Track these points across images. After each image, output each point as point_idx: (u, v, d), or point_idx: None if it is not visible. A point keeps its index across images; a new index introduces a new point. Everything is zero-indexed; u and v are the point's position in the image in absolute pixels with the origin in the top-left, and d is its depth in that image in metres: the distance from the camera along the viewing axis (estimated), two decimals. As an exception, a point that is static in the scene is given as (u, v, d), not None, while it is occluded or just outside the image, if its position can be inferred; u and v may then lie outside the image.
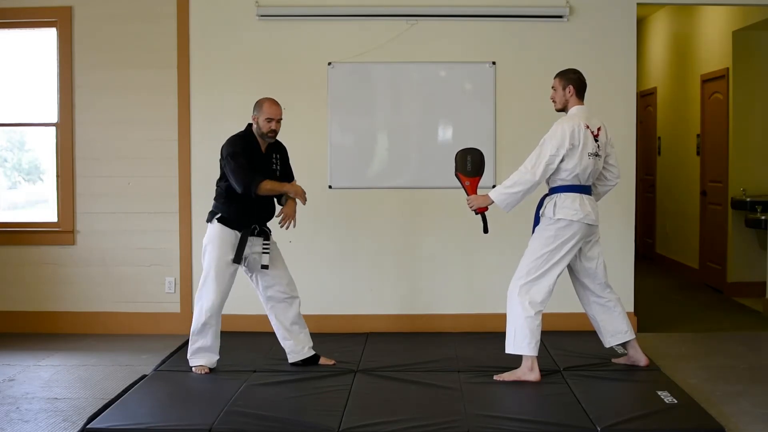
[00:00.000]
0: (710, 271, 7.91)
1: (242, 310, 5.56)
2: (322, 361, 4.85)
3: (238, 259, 4.58)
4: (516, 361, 4.57)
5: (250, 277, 4.75)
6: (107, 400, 4.22)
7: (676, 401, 4.12)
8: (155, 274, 5.97)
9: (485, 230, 4.69)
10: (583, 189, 4.54)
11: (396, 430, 3.75)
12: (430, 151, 5.90)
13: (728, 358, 5.27)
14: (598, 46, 5.84)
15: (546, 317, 4.59)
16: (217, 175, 4.78)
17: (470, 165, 4.64)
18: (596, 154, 4.51)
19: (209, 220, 4.65)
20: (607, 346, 4.81)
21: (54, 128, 6.02)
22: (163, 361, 4.96)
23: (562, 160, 4.43)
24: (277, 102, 4.64)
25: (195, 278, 5.90)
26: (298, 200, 4.64)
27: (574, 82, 4.56)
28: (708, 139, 7.92)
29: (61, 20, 5.91)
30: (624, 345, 4.82)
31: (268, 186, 4.49)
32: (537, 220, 4.61)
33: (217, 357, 4.72)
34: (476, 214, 4.65)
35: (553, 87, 4.63)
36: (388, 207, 5.92)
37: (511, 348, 4.51)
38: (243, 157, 4.49)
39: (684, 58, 8.61)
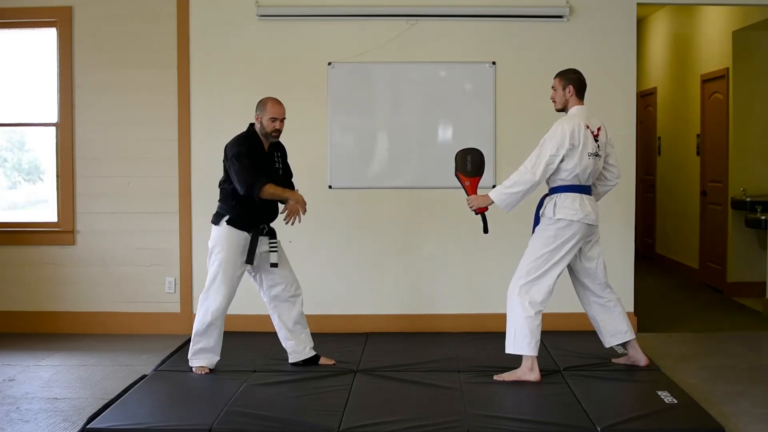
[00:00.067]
0: (710, 271, 7.91)
1: (242, 310, 5.55)
2: (322, 361, 4.85)
3: (250, 259, 4.58)
4: (516, 361, 4.57)
5: (254, 276, 4.75)
6: (107, 400, 4.22)
7: (676, 401, 4.12)
8: (155, 274, 5.97)
9: (485, 230, 4.69)
10: (583, 189, 4.54)
11: (396, 430, 3.75)
12: (430, 151, 5.90)
13: (728, 358, 5.27)
14: (598, 46, 5.84)
15: (546, 317, 4.59)
16: (218, 174, 4.78)
17: (470, 165, 4.64)
18: (596, 154, 4.51)
19: (216, 222, 4.63)
20: (607, 346, 4.81)
21: (54, 128, 6.02)
22: (163, 361, 4.96)
23: (562, 160, 4.43)
24: (280, 101, 4.64)
25: (195, 278, 5.91)
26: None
27: (574, 82, 4.56)
28: (708, 139, 7.92)
29: (61, 20, 5.91)
30: (624, 345, 4.82)
31: (270, 190, 4.48)
32: (537, 220, 4.61)
33: (218, 358, 4.73)
34: (476, 214, 4.65)
35: (553, 87, 4.63)
36: (388, 207, 5.92)
37: (511, 348, 4.52)
38: (247, 158, 4.49)
39: (684, 58, 8.61)
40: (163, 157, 5.92)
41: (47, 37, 6.02)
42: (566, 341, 5.33)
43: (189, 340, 5.43)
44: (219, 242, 4.59)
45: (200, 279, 5.86)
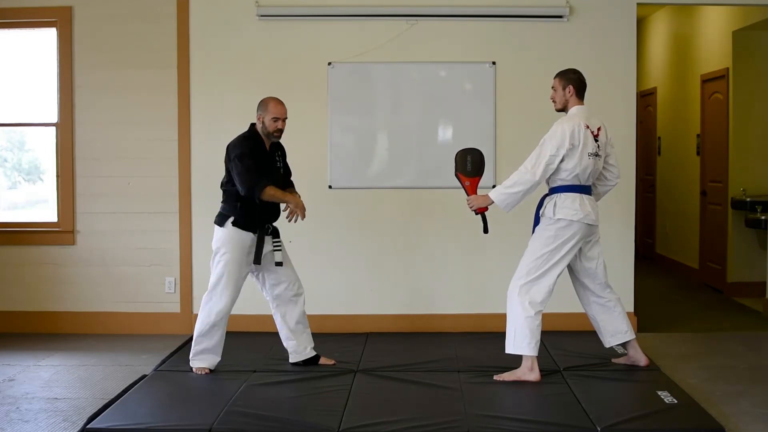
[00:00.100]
0: (710, 271, 7.91)
1: (242, 310, 5.54)
2: (322, 361, 4.85)
3: (258, 259, 4.58)
4: (516, 361, 4.57)
5: (256, 276, 4.75)
6: (107, 400, 4.22)
7: (676, 401, 4.12)
8: (155, 274, 5.97)
9: (485, 230, 4.69)
10: (583, 189, 4.54)
11: (396, 430, 3.75)
12: (430, 151, 5.90)
13: (728, 358, 5.27)
14: (598, 46, 5.84)
15: (546, 317, 4.59)
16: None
17: (470, 165, 4.64)
18: (596, 154, 4.51)
19: (221, 223, 4.61)
20: (607, 346, 4.81)
21: (54, 128, 6.02)
22: (163, 361, 4.96)
23: (562, 160, 4.43)
24: (281, 101, 4.64)
25: (195, 278, 5.92)
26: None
27: (574, 82, 4.56)
28: (708, 139, 7.92)
29: (61, 20, 5.91)
30: (624, 345, 4.82)
31: (271, 192, 4.49)
32: (537, 220, 4.61)
33: (219, 359, 4.73)
34: (476, 214, 4.65)
35: (553, 87, 4.63)
36: (388, 207, 5.92)
37: (511, 348, 4.52)
38: (250, 159, 4.48)
39: (684, 58, 8.61)
40: (163, 157, 5.92)
41: (47, 37, 6.02)
42: (566, 341, 5.33)
43: (189, 341, 5.44)
44: (225, 244, 4.58)
45: (200, 279, 5.88)
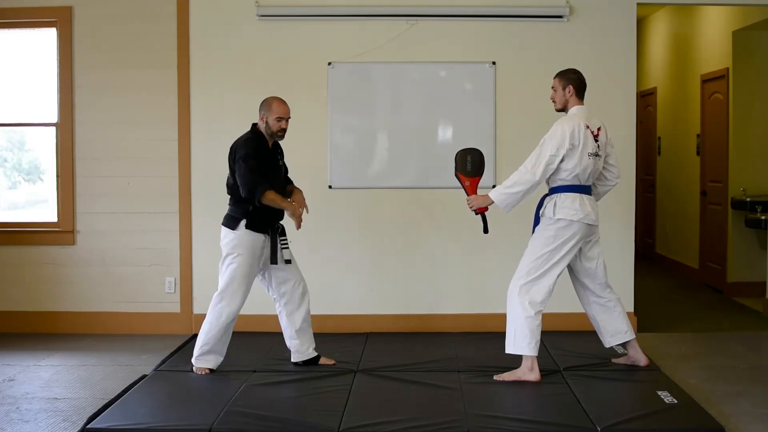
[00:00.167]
0: (710, 271, 7.91)
1: (242, 310, 5.52)
2: (322, 361, 4.85)
3: (275, 259, 4.60)
4: (516, 361, 4.57)
5: (262, 274, 4.75)
6: (107, 400, 4.22)
7: (676, 401, 4.12)
8: (155, 274, 5.97)
9: (485, 230, 4.69)
10: (583, 189, 4.54)
11: (396, 430, 3.75)
12: (430, 151, 5.90)
13: (728, 358, 5.27)
14: (598, 46, 5.84)
15: (546, 317, 4.59)
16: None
17: (470, 165, 4.64)
18: (596, 154, 4.51)
19: (233, 226, 4.57)
20: (607, 346, 4.81)
21: (54, 128, 6.02)
22: (163, 361, 4.96)
23: (562, 160, 4.43)
24: (284, 101, 4.65)
25: (195, 278, 5.92)
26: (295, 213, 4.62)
27: (573, 82, 4.56)
28: (708, 139, 7.93)
29: (61, 20, 5.91)
30: (624, 345, 4.82)
31: (270, 196, 4.49)
32: (537, 220, 4.61)
33: (222, 358, 4.73)
34: (476, 214, 4.65)
35: (552, 87, 4.63)
36: (388, 207, 5.92)
37: (511, 348, 4.51)
38: (254, 159, 4.48)
39: (684, 58, 8.61)
40: (163, 157, 5.92)
41: (47, 37, 6.02)
42: (566, 341, 5.33)
43: (189, 341, 5.45)
44: (237, 246, 4.56)
45: (200, 279, 5.89)
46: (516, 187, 4.42)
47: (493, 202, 4.49)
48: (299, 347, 4.79)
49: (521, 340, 4.46)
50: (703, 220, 8.06)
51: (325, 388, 4.40)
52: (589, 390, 4.34)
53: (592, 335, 4.93)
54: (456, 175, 4.66)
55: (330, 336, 5.44)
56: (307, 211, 4.71)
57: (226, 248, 4.60)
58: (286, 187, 4.77)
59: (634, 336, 4.75)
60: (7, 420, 4.09)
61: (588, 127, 4.49)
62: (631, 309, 5.85)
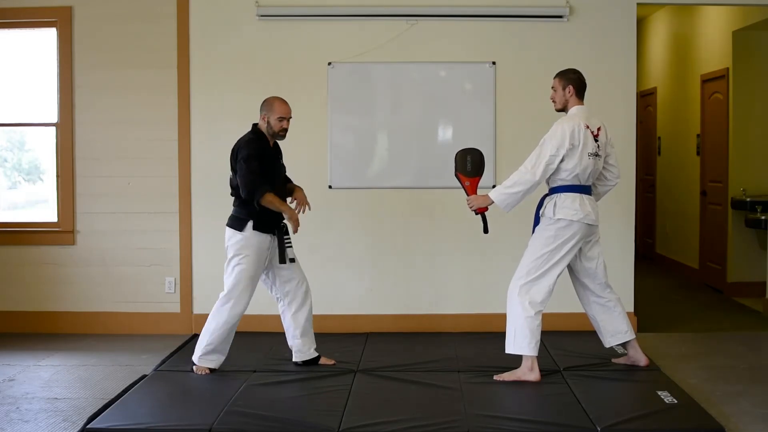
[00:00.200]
0: (710, 271, 7.91)
1: (242, 310, 5.56)
2: (322, 361, 4.85)
3: (283, 258, 4.62)
4: (516, 361, 4.57)
5: (266, 274, 4.75)
6: (107, 400, 4.22)
7: (676, 401, 4.12)
8: (155, 274, 5.97)
9: (485, 230, 4.69)
10: (583, 189, 4.54)
11: (396, 430, 3.75)
12: (430, 151, 5.90)
13: (728, 358, 5.27)
14: (598, 46, 5.84)
15: (546, 317, 4.59)
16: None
17: (470, 165, 4.64)
18: (596, 154, 4.51)
19: (239, 227, 4.56)
20: (607, 346, 4.81)
21: (54, 128, 6.02)
22: (163, 361, 4.96)
23: (562, 160, 4.43)
24: (285, 100, 4.66)
25: (195, 278, 5.92)
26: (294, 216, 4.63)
27: (573, 82, 4.56)
28: (708, 139, 7.93)
29: (61, 20, 5.91)
30: (624, 345, 4.82)
31: (269, 199, 4.49)
32: (537, 220, 4.61)
33: (224, 357, 4.73)
34: (476, 214, 4.65)
35: (552, 87, 4.63)
36: (388, 207, 5.92)
37: (511, 348, 4.51)
38: (256, 160, 4.49)
39: (684, 58, 8.61)
40: (163, 157, 5.92)
41: (47, 37, 6.02)
42: (566, 341, 5.33)
43: (189, 341, 5.45)
44: (245, 247, 4.56)
45: (200, 279, 5.89)
46: (516, 187, 4.42)
47: (493, 202, 4.49)
48: (301, 347, 4.79)
49: (521, 340, 4.46)
50: (703, 220, 8.06)
51: (325, 388, 4.40)
52: (589, 390, 4.34)
53: (592, 335, 4.93)
54: (456, 175, 4.66)
55: (330, 336, 5.44)
56: (309, 208, 4.74)
57: (233, 249, 4.59)
58: (286, 185, 4.77)
59: (634, 336, 4.75)
60: (7, 420, 4.09)
61: (588, 127, 4.49)
62: (631, 309, 5.85)
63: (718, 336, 5.91)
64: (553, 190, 4.55)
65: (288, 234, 4.70)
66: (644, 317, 6.11)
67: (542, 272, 4.50)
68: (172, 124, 5.90)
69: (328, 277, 5.88)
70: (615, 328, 4.72)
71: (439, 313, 5.92)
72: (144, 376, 4.67)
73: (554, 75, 4.63)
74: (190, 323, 5.91)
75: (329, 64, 5.85)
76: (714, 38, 7.77)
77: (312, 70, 5.86)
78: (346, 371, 4.73)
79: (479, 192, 4.62)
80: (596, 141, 4.51)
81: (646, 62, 9.71)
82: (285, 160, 4.81)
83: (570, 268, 4.66)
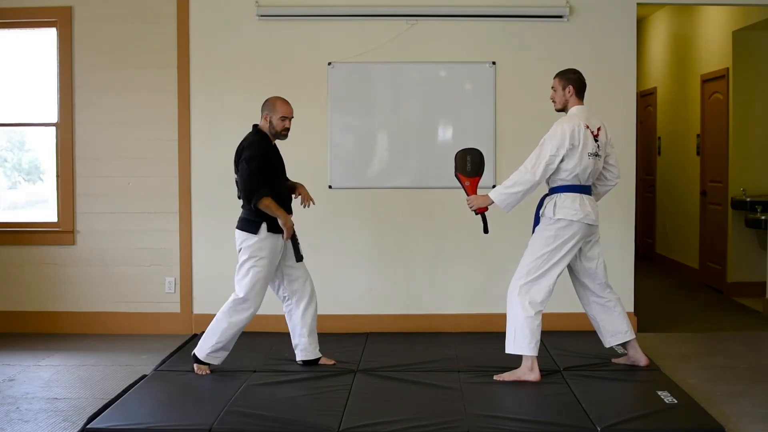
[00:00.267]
0: (710, 271, 7.91)
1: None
2: (322, 361, 4.85)
3: (300, 256, 4.68)
4: (516, 361, 4.57)
5: (275, 274, 4.75)
6: (107, 400, 4.22)
7: (676, 401, 4.12)
8: (155, 274, 5.97)
9: (485, 230, 4.69)
10: (583, 189, 4.54)
11: (396, 430, 3.75)
12: (430, 151, 5.90)
13: (728, 358, 5.27)
14: (598, 46, 5.84)
15: (546, 317, 4.59)
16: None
17: (470, 165, 4.64)
18: (596, 154, 4.51)
19: (253, 230, 4.55)
20: (607, 346, 4.81)
21: (54, 128, 6.02)
22: (163, 361, 4.96)
23: (562, 160, 4.43)
24: (287, 100, 4.67)
25: (195, 278, 5.92)
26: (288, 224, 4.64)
27: (573, 82, 4.56)
28: (708, 139, 7.93)
29: (61, 20, 5.91)
30: (624, 345, 4.82)
31: (266, 203, 4.50)
32: (537, 220, 4.61)
33: (228, 354, 4.74)
34: (476, 214, 4.65)
35: (552, 87, 4.63)
36: (388, 207, 5.92)
37: (511, 348, 4.51)
38: (258, 162, 4.49)
39: (684, 58, 8.61)
40: (163, 157, 5.92)
41: (47, 37, 6.02)
42: (566, 341, 5.33)
43: (189, 341, 5.45)
44: (261, 249, 4.56)
45: (200, 279, 5.89)
46: (516, 187, 4.42)
47: (493, 202, 4.49)
48: (307, 345, 4.79)
49: (521, 340, 4.46)
50: (703, 220, 8.06)
51: (325, 388, 4.40)
52: (589, 390, 4.34)
53: (592, 335, 4.93)
54: (456, 175, 4.66)
55: (330, 336, 5.43)
56: (314, 203, 4.78)
57: (247, 252, 4.58)
58: (286, 184, 4.77)
59: (634, 336, 4.75)
60: (7, 420, 4.09)
61: (588, 127, 4.49)
62: (631, 309, 5.85)
63: (718, 336, 5.91)
64: (553, 190, 4.55)
65: (295, 233, 4.70)
66: (644, 317, 6.11)
67: (542, 272, 4.50)
68: (172, 124, 5.90)
69: (328, 277, 5.87)
70: (615, 328, 4.72)
71: (439, 313, 5.92)
72: (144, 376, 4.67)
73: (554, 75, 4.63)
74: (190, 323, 5.92)
75: (329, 64, 5.85)
76: (714, 38, 7.77)
77: (312, 70, 5.86)
78: (346, 371, 4.73)
79: (479, 192, 4.62)
80: (596, 141, 4.51)
81: (646, 62, 9.71)
82: (285, 160, 4.80)
83: (570, 268, 4.66)
